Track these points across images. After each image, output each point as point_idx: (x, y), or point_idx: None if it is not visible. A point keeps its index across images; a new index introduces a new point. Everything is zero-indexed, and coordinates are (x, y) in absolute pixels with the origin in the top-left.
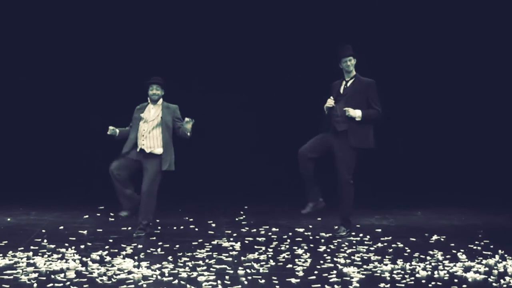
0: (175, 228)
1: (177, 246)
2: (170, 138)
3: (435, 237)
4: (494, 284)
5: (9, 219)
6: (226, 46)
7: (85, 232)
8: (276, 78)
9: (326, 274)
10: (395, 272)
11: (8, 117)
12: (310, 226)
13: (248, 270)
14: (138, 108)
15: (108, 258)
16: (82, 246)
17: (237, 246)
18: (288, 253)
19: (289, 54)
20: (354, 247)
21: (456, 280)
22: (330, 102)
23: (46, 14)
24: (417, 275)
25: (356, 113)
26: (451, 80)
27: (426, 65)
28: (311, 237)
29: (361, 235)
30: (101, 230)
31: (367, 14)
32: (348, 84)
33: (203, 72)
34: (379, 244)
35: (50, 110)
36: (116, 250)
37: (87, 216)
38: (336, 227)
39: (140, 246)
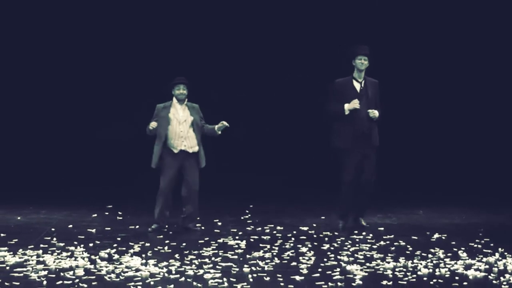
0: (176, 226)
1: (184, 244)
2: (200, 136)
3: (436, 235)
4: (494, 282)
5: (19, 218)
6: (229, 47)
7: (93, 230)
8: (286, 79)
9: (330, 272)
10: (397, 269)
11: (18, 118)
12: (314, 225)
13: (253, 268)
14: (161, 107)
15: (116, 256)
16: (91, 244)
17: (243, 244)
18: (293, 251)
19: (290, 54)
20: (357, 245)
21: (457, 278)
22: (356, 103)
23: (51, 14)
24: (418, 273)
25: (376, 114)
26: (452, 80)
27: (426, 65)
28: (315, 236)
29: (364, 233)
30: (109, 228)
31: (366, 14)
32: (363, 85)
33: (208, 72)
34: (382, 242)
35: (59, 110)
36: (124, 248)
37: (95, 215)
38: (365, 223)
39: (147, 244)
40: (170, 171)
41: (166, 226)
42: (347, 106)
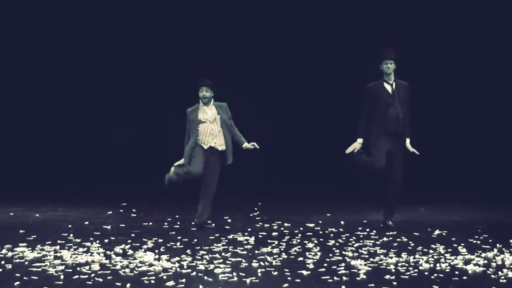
0: (193, 223)
1: (195, 240)
2: (230, 134)
3: (437, 231)
4: (492, 276)
5: (37, 215)
6: (240, 50)
7: (108, 227)
8: (291, 79)
9: (335, 267)
10: (399, 264)
11: (36, 118)
12: (320, 222)
13: (261, 263)
14: (190, 111)
15: (130, 252)
16: (106, 240)
17: (252, 240)
18: (299, 247)
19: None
20: (361, 241)
21: (457, 272)
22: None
23: (57, 15)
24: (420, 268)
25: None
26: (453, 80)
27: (425, 64)
28: (320, 232)
29: (368, 229)
30: (123, 225)
31: (374, 16)
32: (394, 87)
33: (218, 73)
34: (385, 238)
35: (75, 110)
36: (138, 244)
37: (110, 212)
38: (390, 222)
39: (160, 240)
40: (198, 159)
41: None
42: (357, 145)
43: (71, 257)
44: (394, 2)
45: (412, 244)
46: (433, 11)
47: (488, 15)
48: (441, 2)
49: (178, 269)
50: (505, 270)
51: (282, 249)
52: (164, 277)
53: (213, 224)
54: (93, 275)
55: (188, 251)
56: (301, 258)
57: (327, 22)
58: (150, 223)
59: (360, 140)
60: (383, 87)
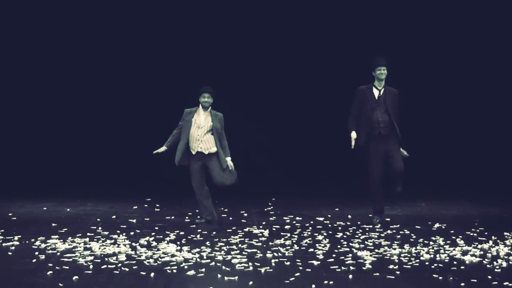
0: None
1: (214, 233)
2: (219, 142)
3: (437, 225)
4: (488, 266)
5: (68, 210)
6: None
7: (134, 220)
8: (297, 76)
9: (343, 257)
10: (402, 255)
11: (68, 118)
12: (329, 216)
13: (275, 254)
14: (188, 112)
15: (154, 243)
16: (132, 233)
17: (266, 233)
18: (310, 239)
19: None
20: (367, 233)
21: (455, 262)
22: (352, 143)
23: (62, 16)
24: (421, 258)
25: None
26: (453, 80)
27: (425, 64)
28: (329, 225)
29: (372, 224)
30: (148, 219)
31: (370, 16)
32: (381, 93)
33: (217, 75)
34: (389, 231)
35: (101, 110)
36: (161, 236)
37: (136, 207)
38: (399, 189)
39: (182, 233)
40: (195, 174)
41: (208, 219)
42: (353, 135)
43: (99, 248)
44: (393, 4)
45: (414, 237)
46: (434, 11)
47: (488, 14)
48: (440, 2)
49: (198, 260)
50: (499, 260)
51: (294, 241)
52: (185, 267)
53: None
54: (119, 265)
55: (208, 243)
56: (311, 249)
57: (322, 25)
58: (173, 217)
59: (353, 134)
60: (371, 91)
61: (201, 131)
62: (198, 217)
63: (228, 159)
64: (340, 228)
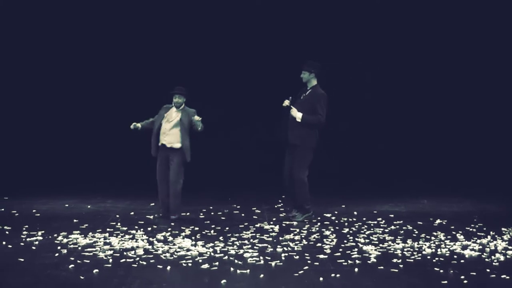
0: (225, 213)
1: (227, 228)
2: (187, 135)
3: (438, 221)
4: (486, 260)
5: (89, 206)
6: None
7: (151, 217)
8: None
9: (349, 252)
10: (405, 249)
11: (89, 117)
12: (336, 212)
13: (285, 248)
14: (164, 107)
15: (170, 238)
16: (149, 229)
17: (276, 228)
18: (318, 234)
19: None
20: (372, 229)
21: (455, 256)
22: (286, 102)
23: (59, 16)
24: (423, 252)
25: (297, 115)
26: (454, 79)
27: (425, 63)
28: (336, 221)
29: (379, 219)
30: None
31: (364, 14)
32: (307, 93)
33: (234, 71)
34: (392, 227)
35: (124, 108)
36: (177, 232)
37: (153, 204)
38: (295, 213)
39: (196, 228)
40: (158, 167)
41: (160, 214)
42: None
43: (118, 243)
44: (392, 4)
45: (416, 232)
46: (429, 10)
47: (488, 16)
48: (440, 2)
49: (212, 254)
50: (497, 255)
51: (303, 236)
52: (200, 260)
53: (178, 218)
54: (137, 259)
55: (221, 238)
56: (319, 244)
57: (322, 26)
58: (188, 213)
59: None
60: (303, 92)
61: (169, 125)
62: (156, 215)
63: (197, 117)
64: (346, 224)
